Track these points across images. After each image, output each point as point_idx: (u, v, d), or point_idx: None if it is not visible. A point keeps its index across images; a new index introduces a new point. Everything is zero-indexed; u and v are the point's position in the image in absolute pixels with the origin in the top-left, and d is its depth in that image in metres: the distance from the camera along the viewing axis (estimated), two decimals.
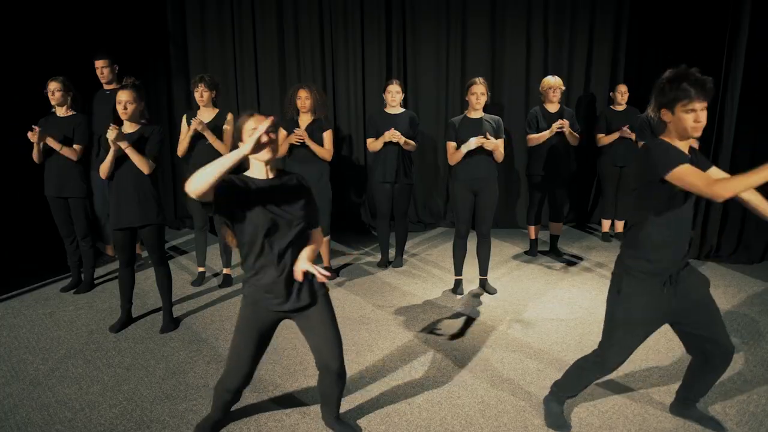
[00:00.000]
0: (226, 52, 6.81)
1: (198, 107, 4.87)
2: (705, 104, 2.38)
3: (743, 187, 2.17)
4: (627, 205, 5.72)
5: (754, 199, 2.47)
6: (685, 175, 2.30)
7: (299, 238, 2.53)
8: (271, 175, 2.51)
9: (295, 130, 4.81)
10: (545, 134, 5.30)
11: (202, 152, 4.73)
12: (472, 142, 4.38)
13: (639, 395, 3.26)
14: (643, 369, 3.55)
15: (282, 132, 4.92)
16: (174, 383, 3.39)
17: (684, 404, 3.00)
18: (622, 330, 2.62)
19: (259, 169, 2.49)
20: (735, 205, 5.59)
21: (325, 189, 4.99)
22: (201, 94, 4.77)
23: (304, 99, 4.89)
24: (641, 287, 2.56)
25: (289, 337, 3.94)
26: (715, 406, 3.13)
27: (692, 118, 2.38)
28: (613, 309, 2.64)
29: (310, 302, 2.58)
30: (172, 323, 4.16)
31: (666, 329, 3.76)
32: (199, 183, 2.19)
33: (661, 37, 6.45)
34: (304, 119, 4.94)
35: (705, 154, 5.26)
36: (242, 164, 2.43)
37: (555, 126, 5.24)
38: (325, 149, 4.92)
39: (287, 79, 6.76)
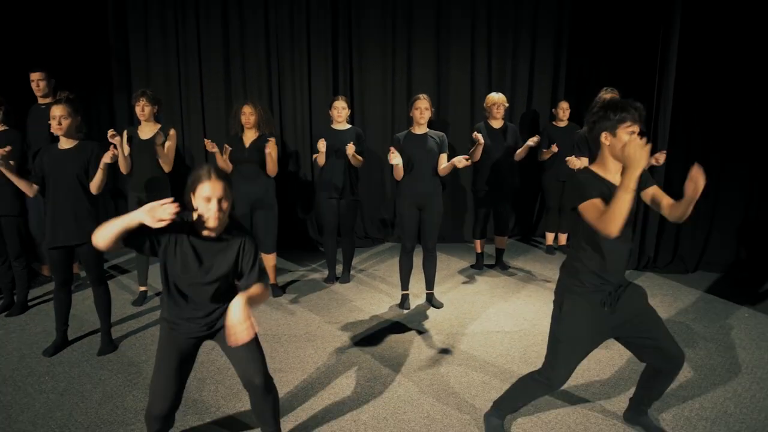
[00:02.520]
0: (169, 67, 6.70)
1: (139, 122, 4.77)
2: (639, 128, 2.50)
3: (619, 216, 2.25)
4: (570, 218, 5.90)
5: (678, 206, 2.55)
6: (587, 210, 2.42)
7: (224, 294, 2.53)
8: (213, 234, 2.46)
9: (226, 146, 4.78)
10: (478, 147, 5.33)
11: (143, 168, 4.65)
12: (391, 157, 4.41)
13: (581, 404, 3.32)
14: (585, 378, 3.62)
15: (226, 148, 4.86)
16: (111, 408, 3.27)
17: (637, 411, 3.06)
18: (564, 347, 2.66)
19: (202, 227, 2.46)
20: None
21: (271, 205, 4.94)
22: (142, 108, 4.68)
23: (248, 115, 4.86)
24: (581, 305, 2.62)
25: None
26: (651, 411, 3.21)
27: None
28: (556, 327, 2.69)
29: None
30: (110, 345, 4.02)
31: (608, 341, 3.86)
32: (102, 239, 2.29)
33: (599, 57, 6.67)
34: (249, 135, 4.90)
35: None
36: None
37: (530, 142, 5.34)
38: (273, 164, 4.87)
39: (233, 95, 6.69)
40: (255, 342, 2.59)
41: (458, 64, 6.87)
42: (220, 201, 2.35)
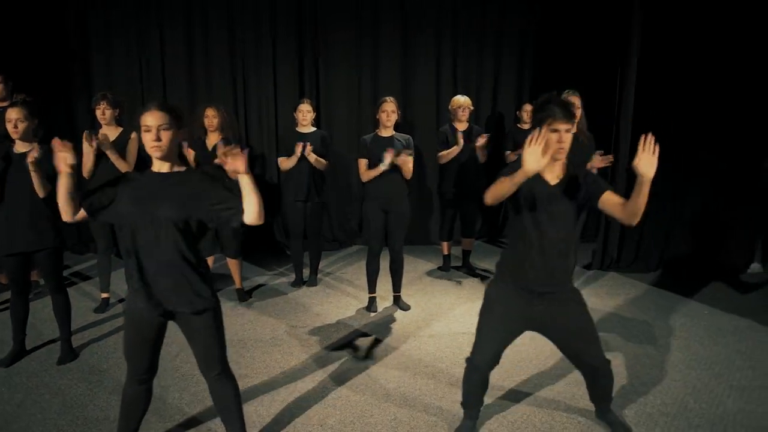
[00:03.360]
0: (132, 70, 6.59)
1: (100, 126, 4.68)
2: (569, 127, 2.54)
3: (493, 194, 2.52)
4: None
5: (630, 200, 2.54)
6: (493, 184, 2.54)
7: (184, 254, 2.42)
8: (164, 170, 2.46)
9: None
10: (454, 149, 5.41)
11: (104, 172, 4.55)
12: (387, 160, 4.42)
13: (546, 403, 3.36)
14: (550, 377, 3.66)
15: (189, 152, 4.80)
16: (71, 418, 3.19)
17: (599, 409, 3.11)
18: (482, 326, 2.82)
19: (157, 164, 2.47)
20: None
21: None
22: (103, 112, 4.59)
23: (211, 118, 4.81)
24: (499, 292, 2.77)
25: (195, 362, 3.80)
26: (615, 409, 3.26)
27: (556, 138, 2.53)
28: (481, 309, 2.84)
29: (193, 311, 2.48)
30: (70, 354, 3.93)
31: None
32: (63, 214, 2.40)
33: (563, 59, 6.76)
34: (213, 138, 4.85)
35: (603, 171, 5.55)
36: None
37: (459, 138, 5.36)
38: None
39: (197, 98, 6.59)
40: (215, 328, 2.55)
41: (424, 67, 6.90)
42: (159, 130, 2.35)
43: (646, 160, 2.39)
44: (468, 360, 2.91)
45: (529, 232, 2.63)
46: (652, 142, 2.40)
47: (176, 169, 2.47)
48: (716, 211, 6.04)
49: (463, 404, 3.05)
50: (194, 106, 6.41)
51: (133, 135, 4.70)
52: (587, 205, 2.63)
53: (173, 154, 2.46)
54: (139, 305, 2.45)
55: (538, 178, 2.58)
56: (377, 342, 4.22)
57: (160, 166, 2.45)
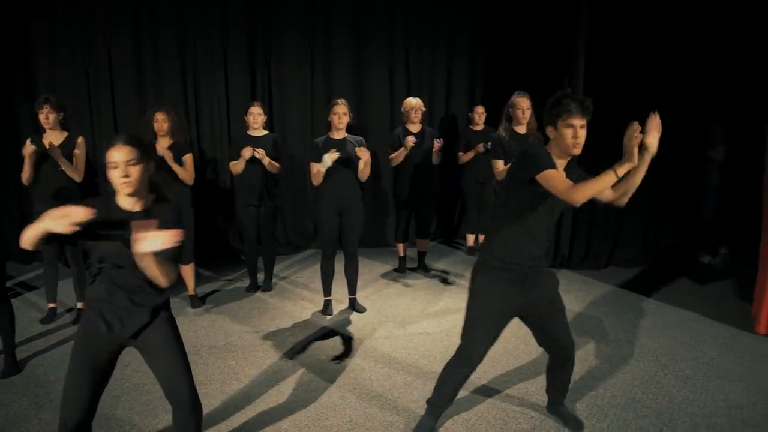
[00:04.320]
0: (77, 73, 6.41)
1: (44, 130, 4.55)
2: (584, 122, 2.60)
3: (592, 192, 2.42)
4: (489, 219, 6.05)
5: (623, 186, 2.67)
6: (551, 177, 2.47)
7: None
8: (137, 207, 2.37)
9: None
10: (401, 152, 5.43)
11: (51, 179, 4.43)
12: (327, 159, 4.40)
13: (500, 399, 3.41)
14: (503, 373, 3.71)
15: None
16: None
17: (553, 403, 3.17)
18: (479, 322, 2.77)
19: (125, 200, 2.37)
20: (583, 217, 6.09)
21: (187, 213, 4.82)
22: (46, 116, 4.46)
23: (161, 122, 4.72)
24: (492, 280, 2.72)
25: (148, 371, 3.72)
26: (567, 402, 3.33)
27: (571, 134, 2.58)
28: (469, 305, 2.80)
29: (148, 321, 2.42)
30: (14, 367, 3.79)
31: (523, 334, 3.99)
32: (26, 244, 2.24)
33: (514, 62, 6.87)
34: (163, 143, 4.76)
35: None
36: None
37: (409, 141, 5.38)
38: (187, 172, 4.76)
39: (146, 101, 6.47)
40: (181, 353, 2.49)
41: (377, 69, 6.93)
42: (126, 165, 2.27)
43: (655, 134, 2.53)
44: (460, 359, 2.83)
45: (529, 220, 2.65)
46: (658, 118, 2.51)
47: (146, 204, 2.38)
48: (663, 208, 6.23)
49: (434, 401, 3.01)
50: (143, 110, 6.29)
51: (80, 139, 4.58)
52: None
53: (144, 189, 2.36)
54: (98, 325, 2.37)
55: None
56: (333, 345, 4.20)
57: (128, 203, 2.35)
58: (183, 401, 2.48)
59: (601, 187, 2.44)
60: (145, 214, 2.35)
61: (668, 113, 5.90)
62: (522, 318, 2.87)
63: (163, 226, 2.23)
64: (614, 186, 2.64)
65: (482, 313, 2.75)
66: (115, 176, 2.28)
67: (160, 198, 2.45)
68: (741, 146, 5.76)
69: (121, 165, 2.26)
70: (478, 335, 2.78)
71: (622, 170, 2.49)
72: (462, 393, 3.45)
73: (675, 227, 6.27)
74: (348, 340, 4.28)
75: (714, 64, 5.85)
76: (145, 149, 2.34)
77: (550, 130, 2.65)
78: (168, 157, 4.63)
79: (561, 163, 2.68)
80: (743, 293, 5.18)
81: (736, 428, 3.10)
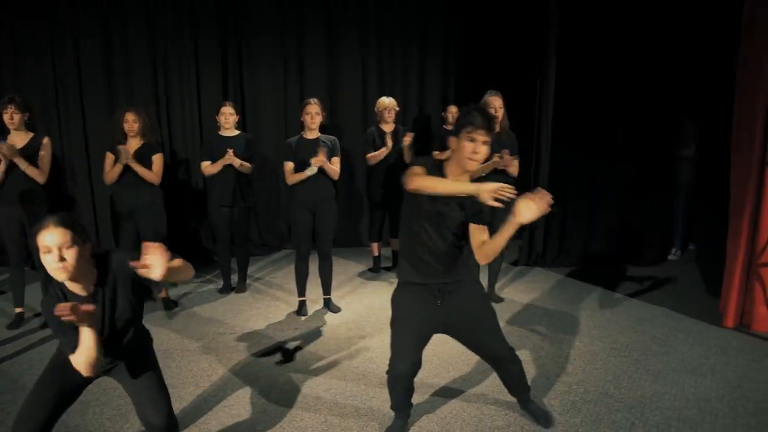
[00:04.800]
0: (45, 72, 6.29)
1: (8, 131, 4.45)
2: (487, 139, 2.51)
3: (423, 184, 2.47)
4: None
5: (490, 242, 2.56)
6: (411, 172, 2.51)
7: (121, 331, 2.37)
8: (84, 293, 2.30)
9: (119, 149, 4.57)
10: (383, 150, 5.44)
11: (15, 180, 4.33)
12: (314, 164, 4.40)
13: (475, 398, 3.42)
14: (478, 373, 3.72)
15: (110, 157, 4.64)
16: None
17: (521, 401, 3.17)
18: (394, 330, 2.80)
19: (70, 285, 2.29)
20: (556, 215, 6.15)
21: (159, 215, 4.77)
22: (11, 116, 4.36)
23: (131, 122, 4.65)
24: (405, 292, 2.78)
25: None
26: (541, 399, 3.36)
27: (471, 148, 2.50)
28: (391, 320, 2.83)
29: (126, 358, 2.40)
30: None
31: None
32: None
33: (487, 61, 6.92)
34: (133, 143, 4.70)
35: (526, 170, 5.70)
36: None
37: (389, 138, 5.39)
38: (153, 173, 4.70)
39: (115, 101, 6.36)
40: (158, 379, 2.45)
41: (350, 69, 6.91)
42: (61, 249, 2.14)
43: (531, 205, 2.32)
44: (388, 372, 2.82)
45: (421, 236, 2.65)
46: (548, 195, 2.33)
47: (88, 286, 2.30)
48: (633, 210, 6.32)
49: (393, 408, 3.04)
50: (113, 110, 6.19)
51: (46, 140, 4.49)
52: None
53: (83, 271, 2.25)
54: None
55: (441, 173, 2.64)
56: (308, 345, 4.18)
57: (73, 287, 2.28)
58: (155, 428, 2.42)
59: (434, 184, 2.47)
60: (92, 298, 2.28)
61: (639, 111, 6.06)
62: (448, 333, 2.87)
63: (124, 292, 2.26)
64: (481, 246, 2.58)
65: (397, 324, 2.78)
66: (48, 262, 2.14)
67: (102, 268, 2.33)
68: (711, 143, 5.86)
69: (54, 249, 2.13)
70: (395, 342, 2.78)
71: (465, 187, 2.49)
72: (437, 393, 3.47)
73: (646, 224, 6.36)
74: (323, 341, 4.26)
75: (683, 62, 5.95)
76: (80, 229, 2.22)
77: (452, 141, 2.60)
78: (132, 162, 4.56)
79: (461, 177, 2.61)
80: (711, 289, 5.27)
81: (706, 420, 3.16)
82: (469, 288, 2.80)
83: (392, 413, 3.11)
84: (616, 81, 6.00)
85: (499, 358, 2.88)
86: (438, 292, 2.72)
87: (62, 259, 2.14)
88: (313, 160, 4.42)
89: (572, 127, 6.11)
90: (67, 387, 2.36)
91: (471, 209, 2.60)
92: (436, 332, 2.84)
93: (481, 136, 2.50)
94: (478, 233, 2.60)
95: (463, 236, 2.67)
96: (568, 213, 6.29)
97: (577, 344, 4.17)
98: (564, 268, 6.09)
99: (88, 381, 2.42)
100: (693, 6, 5.76)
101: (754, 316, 4.40)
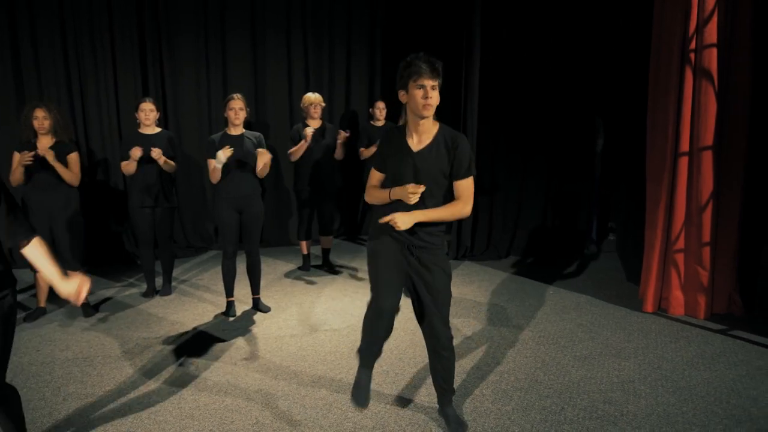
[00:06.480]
0: None
1: None
2: (435, 83, 2.60)
3: (371, 197, 2.83)
4: None
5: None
6: (368, 185, 2.84)
7: None
8: None
9: (38, 151, 4.30)
10: (302, 145, 5.35)
11: None
12: (221, 156, 4.26)
13: (408, 390, 3.41)
14: (411, 366, 3.72)
15: (17, 157, 4.37)
16: None
17: (441, 402, 3.06)
18: (379, 273, 2.79)
19: None
20: (483, 205, 6.25)
21: (74, 217, 4.52)
22: None
23: (41, 119, 4.40)
24: (384, 242, 2.82)
25: (53, 352, 3.45)
26: (474, 389, 3.40)
27: (421, 94, 2.58)
28: (368, 262, 2.88)
29: None
30: None
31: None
32: None
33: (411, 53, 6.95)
34: (44, 142, 4.44)
35: None
36: None
37: (308, 134, 5.30)
38: (72, 173, 4.47)
39: (26, 96, 5.99)
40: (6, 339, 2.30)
41: (275, 64, 6.81)
42: None
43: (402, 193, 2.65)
44: (372, 307, 2.81)
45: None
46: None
47: None
48: (556, 204, 6.51)
49: (362, 351, 2.96)
50: (22, 105, 5.85)
51: None
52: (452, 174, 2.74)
53: None
54: None
55: (404, 145, 2.71)
56: (237, 346, 4.07)
57: None
58: None
59: (381, 197, 2.78)
60: None
61: (559, 107, 6.24)
62: (410, 291, 2.88)
63: None
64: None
65: (376, 262, 2.82)
66: None
67: None
68: (625, 138, 6.11)
69: None
70: (379, 282, 2.78)
71: (393, 195, 2.71)
72: (374, 389, 3.43)
73: (567, 217, 6.56)
74: (253, 342, 4.16)
75: (601, 60, 6.19)
76: None
77: (402, 95, 2.69)
78: (49, 156, 4.32)
79: (418, 126, 2.70)
80: (631, 276, 5.49)
81: (630, 401, 3.27)
82: (442, 264, 2.81)
83: (326, 410, 3.05)
84: (537, 77, 6.17)
85: (438, 339, 2.85)
86: (409, 247, 2.76)
87: None
88: (219, 152, 4.25)
89: (496, 122, 6.23)
90: None
91: (453, 163, 2.72)
92: (405, 284, 2.84)
93: (429, 81, 2.57)
94: (457, 188, 2.76)
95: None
96: (495, 207, 6.41)
97: (507, 334, 4.24)
98: (492, 261, 6.20)
99: None
100: (609, 7, 6.01)
101: (670, 301, 4.61)
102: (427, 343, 2.93)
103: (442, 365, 2.94)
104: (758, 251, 4.51)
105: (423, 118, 2.65)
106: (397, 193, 2.68)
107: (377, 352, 2.97)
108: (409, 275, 2.82)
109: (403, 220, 2.62)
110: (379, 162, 2.83)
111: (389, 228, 2.71)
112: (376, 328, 2.85)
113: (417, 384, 3.50)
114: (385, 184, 2.82)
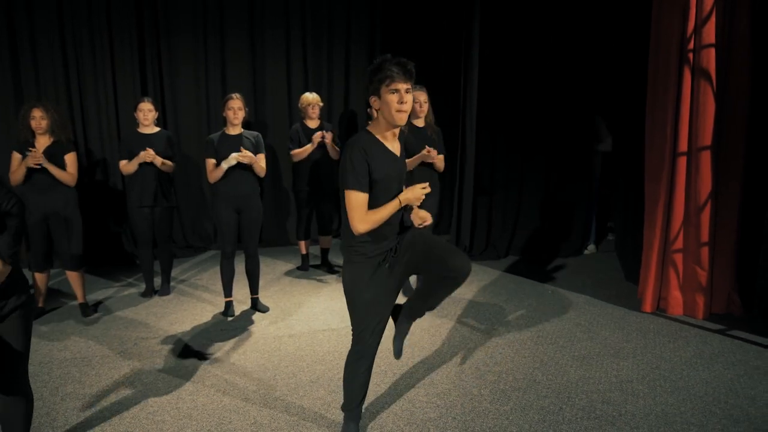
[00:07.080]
0: None
1: None
2: (408, 87, 2.46)
3: (377, 220, 2.49)
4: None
5: None
6: (347, 198, 2.49)
7: None
8: None
9: (30, 151, 4.29)
10: (307, 147, 5.37)
11: None
12: (233, 158, 4.28)
13: (406, 390, 3.41)
14: (410, 366, 3.72)
15: (16, 156, 4.36)
16: None
17: (406, 316, 2.94)
18: (359, 313, 2.66)
19: None
20: (483, 205, 6.25)
21: (73, 217, 4.52)
22: None
23: (39, 119, 4.39)
24: (360, 271, 2.61)
25: (46, 350, 3.45)
26: (472, 389, 3.39)
27: (396, 99, 2.43)
28: (347, 298, 2.69)
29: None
30: None
31: (428, 326, 4.04)
32: None
33: (409, 56, 6.91)
34: (42, 142, 4.44)
35: (452, 164, 5.79)
36: None
37: (315, 138, 5.33)
38: (69, 174, 4.46)
39: (24, 96, 5.99)
40: (22, 339, 2.36)
41: (274, 64, 6.79)
42: None
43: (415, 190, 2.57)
44: (353, 352, 2.72)
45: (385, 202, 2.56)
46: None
47: None
48: (557, 199, 6.51)
49: (346, 405, 2.84)
50: (20, 105, 5.84)
51: None
52: None
53: None
54: None
55: (386, 152, 2.55)
56: (236, 346, 4.07)
57: None
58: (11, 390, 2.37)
59: (379, 217, 2.54)
60: None
61: (559, 106, 6.24)
62: (410, 273, 2.77)
63: None
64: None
65: (359, 302, 2.67)
66: None
67: None
68: (625, 138, 6.11)
69: None
70: (363, 324, 2.68)
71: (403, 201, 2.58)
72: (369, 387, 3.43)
73: (566, 217, 6.56)
74: (251, 342, 4.16)
75: (600, 60, 6.19)
76: None
77: (374, 101, 2.50)
78: (44, 161, 4.31)
79: (392, 134, 2.58)
80: (629, 276, 5.49)
81: (628, 401, 3.27)
82: (409, 235, 2.71)
83: (324, 411, 3.06)
84: (536, 76, 6.16)
85: (457, 271, 2.61)
86: (387, 255, 2.62)
87: None
88: (234, 155, 4.28)
89: (495, 122, 6.23)
90: None
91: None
92: (400, 286, 2.75)
93: (402, 85, 2.42)
94: None
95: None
96: (495, 207, 6.41)
97: (506, 334, 4.24)
98: (492, 261, 6.20)
99: None
100: (608, 7, 6.01)
101: (669, 301, 4.61)
102: (447, 279, 2.67)
103: (448, 291, 2.76)
104: (757, 251, 4.50)
105: (395, 127, 2.53)
106: (408, 197, 2.54)
107: (363, 397, 2.85)
108: (397, 276, 2.69)
109: (426, 213, 2.64)
110: (362, 183, 2.47)
111: (373, 244, 2.58)
112: (359, 372, 2.74)
113: (416, 384, 3.49)
114: (375, 203, 2.54)
